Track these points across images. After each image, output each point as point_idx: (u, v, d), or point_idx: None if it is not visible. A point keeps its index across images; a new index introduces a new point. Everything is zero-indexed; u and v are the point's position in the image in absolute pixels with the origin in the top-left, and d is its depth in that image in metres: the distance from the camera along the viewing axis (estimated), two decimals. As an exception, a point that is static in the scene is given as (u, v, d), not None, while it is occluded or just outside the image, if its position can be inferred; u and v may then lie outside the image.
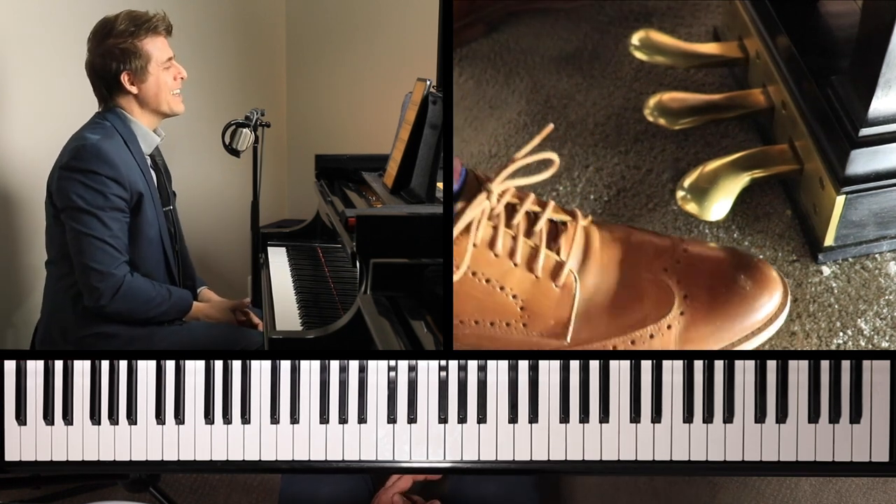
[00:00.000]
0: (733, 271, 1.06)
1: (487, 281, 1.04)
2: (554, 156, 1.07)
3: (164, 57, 1.59)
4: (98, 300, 1.51)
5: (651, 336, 1.04)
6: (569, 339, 1.05)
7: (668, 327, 1.04)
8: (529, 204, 1.06)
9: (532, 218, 1.07)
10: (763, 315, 1.05)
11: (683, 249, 1.08)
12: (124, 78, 1.56)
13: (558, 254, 1.05)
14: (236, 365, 1.14)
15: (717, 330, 1.04)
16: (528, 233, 1.06)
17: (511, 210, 1.06)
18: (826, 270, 1.15)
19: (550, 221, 1.07)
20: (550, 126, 1.08)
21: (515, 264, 1.04)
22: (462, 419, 1.13)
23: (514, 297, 1.05)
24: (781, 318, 1.06)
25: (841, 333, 1.10)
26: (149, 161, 1.63)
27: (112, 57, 1.55)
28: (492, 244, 1.04)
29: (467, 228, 1.03)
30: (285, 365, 1.14)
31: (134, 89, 1.57)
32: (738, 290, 1.04)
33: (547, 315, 1.05)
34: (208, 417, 1.14)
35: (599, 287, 1.05)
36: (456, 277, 1.03)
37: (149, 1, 1.69)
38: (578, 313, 1.05)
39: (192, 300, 1.66)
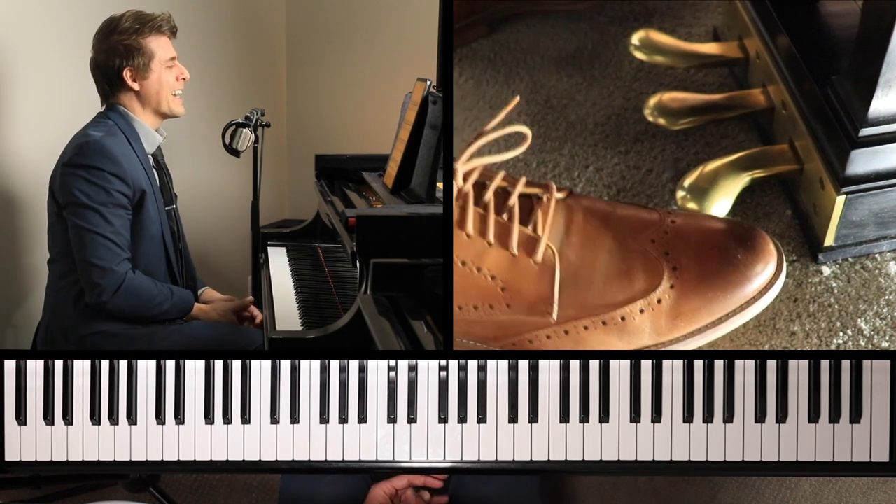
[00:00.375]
0: (724, 240, 1.03)
1: (463, 263, 1.02)
2: (525, 129, 1.04)
3: (168, 56, 1.60)
4: (99, 297, 1.51)
5: (641, 311, 1.02)
6: (555, 315, 1.02)
7: (658, 301, 1.02)
8: (498, 181, 1.04)
9: (503, 195, 1.04)
10: (758, 284, 1.02)
11: (671, 221, 1.06)
12: (126, 74, 1.57)
13: (534, 229, 1.02)
14: (236, 365, 1.14)
15: (709, 302, 1.01)
16: (500, 210, 1.03)
17: (480, 189, 1.04)
18: (826, 270, 1.15)
19: (524, 197, 1.05)
20: (517, 99, 1.06)
21: (490, 244, 1.02)
22: (462, 419, 1.13)
23: (492, 277, 1.03)
24: (777, 286, 1.03)
25: (841, 333, 1.10)
26: (151, 160, 1.63)
27: (116, 53, 1.56)
28: (461, 224, 1.02)
29: None
30: (285, 365, 1.14)
31: (136, 86, 1.58)
32: (729, 260, 1.02)
33: (529, 292, 1.02)
34: (208, 417, 1.14)
35: (584, 261, 1.03)
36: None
37: (150, 1, 1.70)
38: (562, 289, 1.02)
39: (194, 300, 1.66)
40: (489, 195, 1.03)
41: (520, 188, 1.04)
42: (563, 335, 1.03)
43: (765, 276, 1.02)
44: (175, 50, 1.63)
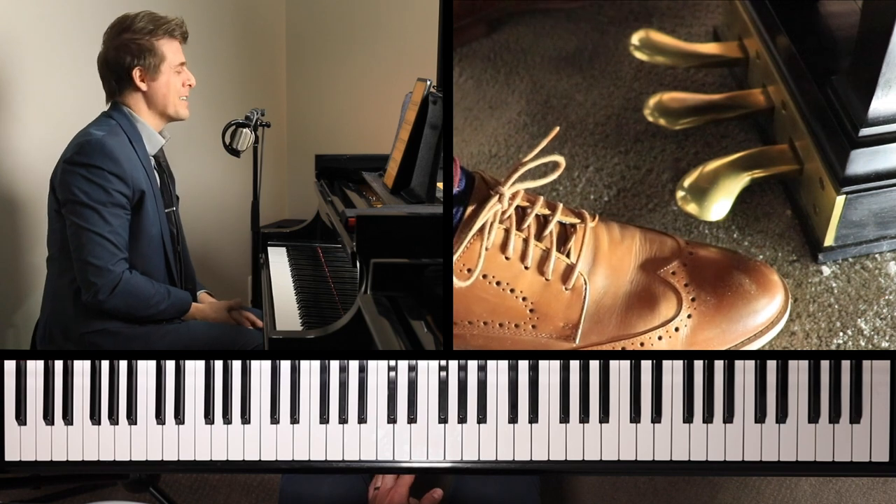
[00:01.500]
0: (737, 274, 1.06)
1: (498, 283, 1.05)
2: (560, 158, 1.08)
3: (177, 61, 1.61)
4: (95, 295, 1.51)
5: (659, 338, 1.05)
6: (577, 341, 1.05)
7: (676, 329, 1.04)
8: (540, 207, 1.07)
9: (542, 221, 1.07)
10: (765, 318, 1.05)
11: (689, 252, 1.08)
12: (136, 73, 1.57)
13: (568, 256, 1.05)
14: (236, 365, 1.14)
15: (722, 333, 1.05)
16: (539, 236, 1.06)
17: (521, 213, 1.07)
18: (826, 270, 1.15)
19: (560, 224, 1.07)
20: (556, 129, 1.09)
21: (526, 267, 1.05)
22: (462, 419, 1.13)
23: (523, 299, 1.05)
24: (782, 321, 1.07)
25: (841, 333, 1.10)
26: (153, 161, 1.63)
27: (127, 51, 1.56)
28: (503, 247, 1.04)
29: (480, 231, 1.03)
30: (285, 365, 1.14)
31: (144, 86, 1.58)
32: (742, 294, 1.05)
33: (557, 317, 1.05)
34: (208, 417, 1.14)
35: (608, 289, 1.06)
36: (470, 281, 1.03)
37: (151, 1, 1.70)
38: (587, 315, 1.05)
39: (192, 301, 1.66)
40: (530, 221, 1.06)
41: (558, 216, 1.07)
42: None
43: (772, 309, 1.06)
44: (184, 56, 1.64)
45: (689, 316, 1.04)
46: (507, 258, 1.04)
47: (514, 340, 1.06)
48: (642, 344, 1.05)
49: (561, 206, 1.08)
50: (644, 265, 1.07)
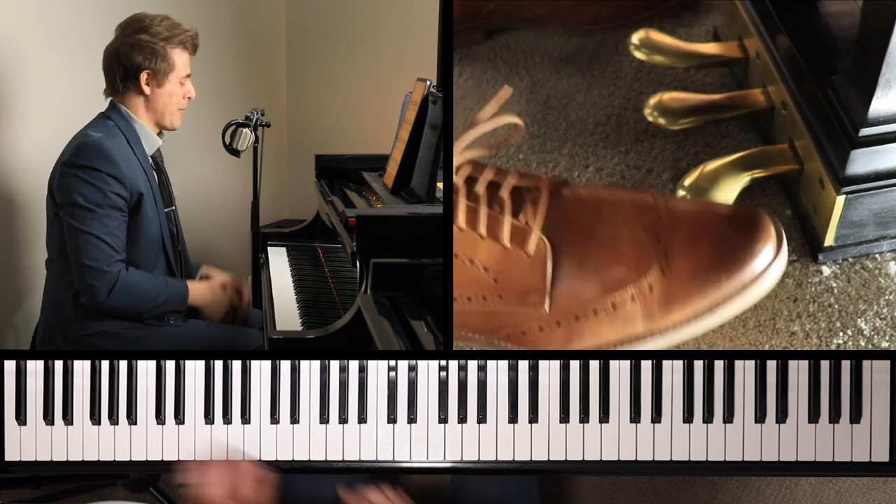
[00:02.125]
0: (720, 223, 1.00)
1: (456, 256, 1.01)
2: (516, 119, 1.02)
3: (184, 72, 1.61)
4: (94, 297, 1.51)
5: (632, 298, 0.99)
6: (546, 307, 1.01)
7: (650, 288, 0.99)
8: (489, 174, 1.03)
9: (494, 188, 1.04)
10: (756, 268, 0.98)
11: (666, 205, 1.03)
12: (143, 76, 1.57)
13: (526, 220, 1.01)
14: (236, 365, 1.14)
15: (704, 288, 0.98)
16: (491, 203, 1.02)
17: (471, 183, 1.03)
18: (826, 270, 1.15)
19: (517, 189, 1.04)
20: (508, 90, 1.03)
21: (481, 236, 1.01)
22: (462, 419, 1.13)
23: (485, 269, 1.02)
24: (777, 267, 0.99)
25: (841, 333, 1.10)
26: (151, 162, 1.63)
27: (141, 51, 1.56)
28: (452, 217, 1.01)
29: None
30: (285, 365, 1.14)
31: (147, 90, 1.58)
32: (724, 243, 0.98)
33: (521, 283, 1.01)
34: (208, 417, 1.14)
35: (576, 251, 1.01)
36: None
37: (151, 1, 1.70)
38: (555, 280, 1.01)
39: (187, 290, 1.65)
40: (480, 188, 1.02)
41: (511, 181, 1.03)
42: (555, 326, 1.02)
43: (763, 259, 0.99)
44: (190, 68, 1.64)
45: (662, 272, 0.99)
46: (459, 229, 1.01)
47: (485, 314, 1.03)
48: (614, 306, 1.00)
49: (515, 171, 1.05)
50: (614, 223, 1.02)
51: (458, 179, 1.02)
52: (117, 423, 1.14)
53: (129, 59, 1.57)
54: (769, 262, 0.99)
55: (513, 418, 1.13)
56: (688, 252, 0.99)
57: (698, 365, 1.12)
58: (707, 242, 0.99)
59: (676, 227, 1.00)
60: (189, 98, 1.64)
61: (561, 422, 1.12)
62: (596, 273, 1.00)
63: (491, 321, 1.04)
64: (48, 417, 1.14)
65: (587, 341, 1.02)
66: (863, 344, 1.09)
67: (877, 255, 1.16)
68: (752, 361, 1.11)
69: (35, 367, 1.15)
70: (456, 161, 1.02)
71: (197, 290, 1.66)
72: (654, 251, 0.99)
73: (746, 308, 1.01)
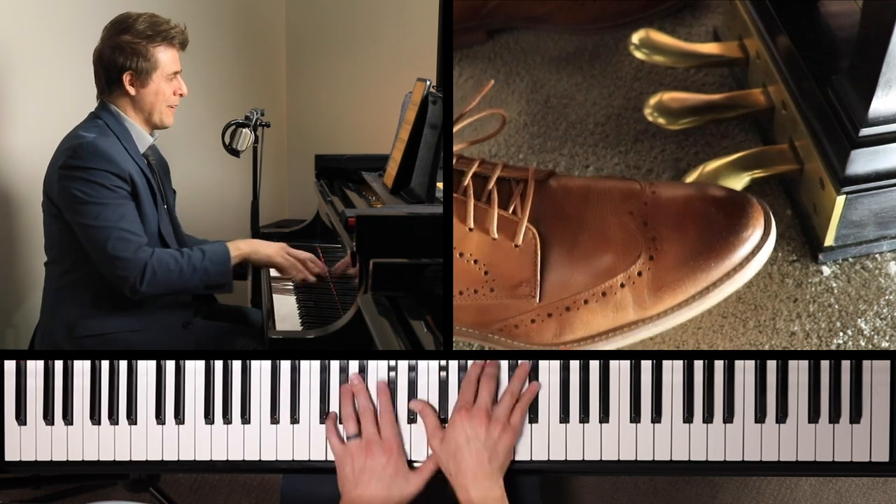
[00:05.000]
0: (706, 207, 1.00)
1: None
2: (500, 111, 1.03)
3: (171, 69, 1.59)
4: (131, 288, 1.48)
5: (622, 285, 1.00)
6: (538, 298, 1.02)
7: (639, 274, 1.00)
8: (475, 167, 1.04)
9: (481, 180, 1.04)
10: (745, 250, 0.99)
11: (652, 191, 1.03)
12: (126, 77, 1.56)
13: (514, 212, 1.02)
14: (236, 365, 1.14)
15: (693, 272, 0.99)
16: (478, 195, 1.03)
17: (459, 176, 1.04)
18: (826, 270, 1.15)
19: (504, 181, 1.04)
20: (491, 82, 1.04)
21: (470, 229, 1.02)
22: (462, 419, 1.13)
23: (475, 262, 1.02)
24: (766, 250, 1.00)
25: (841, 333, 1.10)
26: (145, 160, 1.62)
27: (121, 52, 1.55)
28: None
29: None
30: (285, 365, 1.14)
31: (132, 90, 1.57)
32: (712, 227, 0.99)
33: (511, 276, 1.02)
34: (208, 417, 1.14)
35: (565, 242, 1.02)
36: None
37: (150, 1, 1.69)
38: (544, 271, 1.01)
39: (227, 248, 1.57)
40: (467, 181, 1.03)
41: (497, 173, 1.03)
42: (546, 318, 1.03)
43: (752, 242, 0.99)
44: (181, 64, 1.62)
45: (650, 258, 0.99)
46: None
47: (477, 307, 1.03)
48: (604, 294, 1.00)
49: (501, 163, 1.05)
50: (601, 211, 1.03)
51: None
52: (117, 424, 1.14)
53: (111, 61, 1.56)
54: (757, 244, 1.00)
55: (513, 418, 1.12)
56: (676, 237, 1.00)
57: (698, 365, 1.12)
58: (694, 227, 1.00)
59: (663, 213, 1.01)
60: (181, 95, 1.62)
61: (561, 422, 1.12)
62: (585, 262, 1.01)
63: (483, 315, 1.04)
64: (48, 417, 1.14)
65: (579, 331, 1.03)
66: (863, 344, 1.09)
67: (877, 255, 1.16)
68: (752, 361, 1.11)
69: (35, 368, 1.15)
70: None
71: (251, 245, 1.60)
72: (641, 238, 1.00)
73: (737, 290, 1.01)
